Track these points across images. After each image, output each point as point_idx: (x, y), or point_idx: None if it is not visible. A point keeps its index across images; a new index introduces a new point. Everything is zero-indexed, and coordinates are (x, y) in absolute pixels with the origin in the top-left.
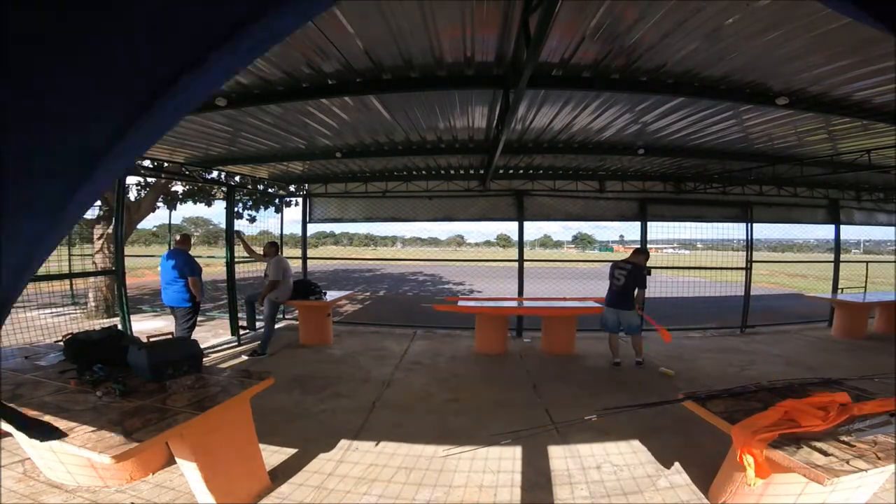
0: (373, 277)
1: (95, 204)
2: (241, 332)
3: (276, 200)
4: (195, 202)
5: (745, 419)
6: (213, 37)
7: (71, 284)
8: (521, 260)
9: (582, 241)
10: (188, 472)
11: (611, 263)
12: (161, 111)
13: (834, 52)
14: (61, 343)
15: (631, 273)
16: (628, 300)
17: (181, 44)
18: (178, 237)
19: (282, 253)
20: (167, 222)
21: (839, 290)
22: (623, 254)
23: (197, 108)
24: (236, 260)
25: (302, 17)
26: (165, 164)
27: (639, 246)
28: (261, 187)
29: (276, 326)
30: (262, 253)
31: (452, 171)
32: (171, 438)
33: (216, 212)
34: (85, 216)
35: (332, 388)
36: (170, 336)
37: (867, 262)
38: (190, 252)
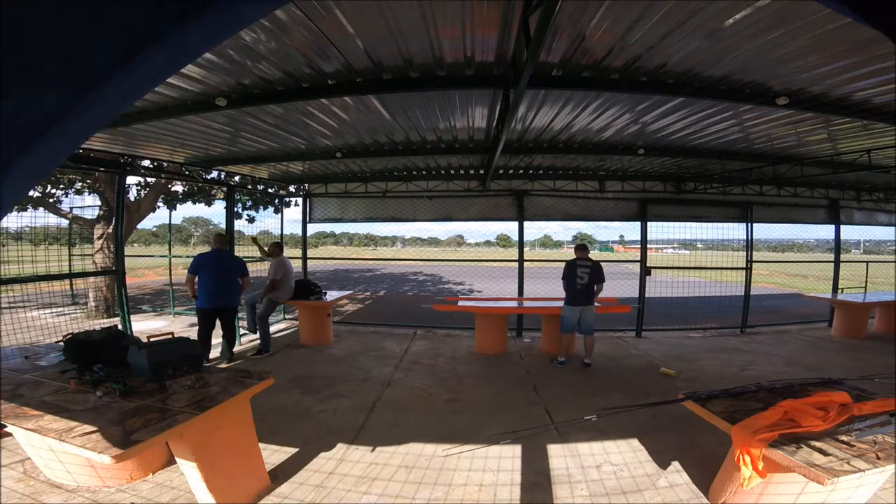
0: (373, 277)
1: (95, 204)
2: (241, 332)
3: (276, 200)
4: (195, 202)
5: (745, 419)
6: (172, 14)
7: (71, 284)
8: (521, 260)
9: (582, 241)
10: (188, 472)
11: (565, 263)
12: (112, 90)
13: (834, 52)
14: (61, 343)
15: (593, 270)
16: (591, 297)
17: (137, 19)
18: (216, 237)
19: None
20: (167, 222)
21: (839, 290)
22: (623, 253)
23: (147, 90)
24: None
25: (263, 7)
26: (165, 165)
27: (580, 242)
28: (261, 187)
29: (277, 326)
30: (267, 252)
31: (452, 171)
32: (172, 438)
33: (216, 212)
34: (85, 216)
35: (332, 388)
36: (170, 336)
37: (867, 262)
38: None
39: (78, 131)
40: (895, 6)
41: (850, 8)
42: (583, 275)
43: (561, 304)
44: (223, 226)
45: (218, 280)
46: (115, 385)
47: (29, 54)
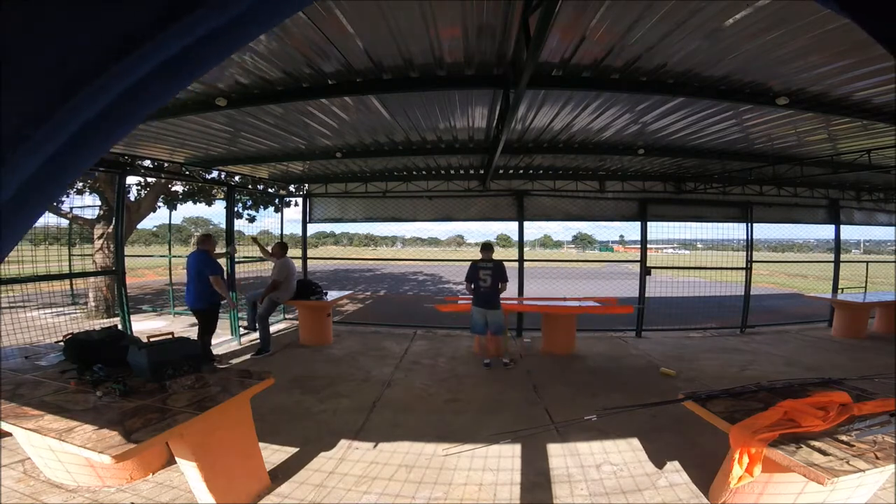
0: (373, 277)
1: (95, 203)
2: (242, 331)
3: (276, 200)
4: (195, 202)
5: (745, 419)
6: (166, 12)
7: (71, 284)
8: (521, 260)
9: (582, 241)
10: (188, 471)
11: (469, 265)
12: (109, 93)
13: (834, 52)
14: (61, 343)
15: (494, 271)
16: (495, 299)
17: (128, 14)
18: (198, 237)
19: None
20: (167, 222)
21: (839, 290)
22: (623, 253)
23: (163, 100)
24: (238, 260)
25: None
26: (165, 164)
27: (485, 242)
28: (261, 187)
29: (277, 326)
30: (270, 252)
31: (452, 171)
32: (172, 438)
33: (216, 211)
34: (85, 216)
35: (332, 388)
36: (170, 336)
37: (867, 262)
38: (212, 251)
39: (63, 144)
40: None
41: (848, 13)
42: (485, 276)
43: (562, 303)
44: (223, 226)
45: (188, 281)
46: (115, 385)
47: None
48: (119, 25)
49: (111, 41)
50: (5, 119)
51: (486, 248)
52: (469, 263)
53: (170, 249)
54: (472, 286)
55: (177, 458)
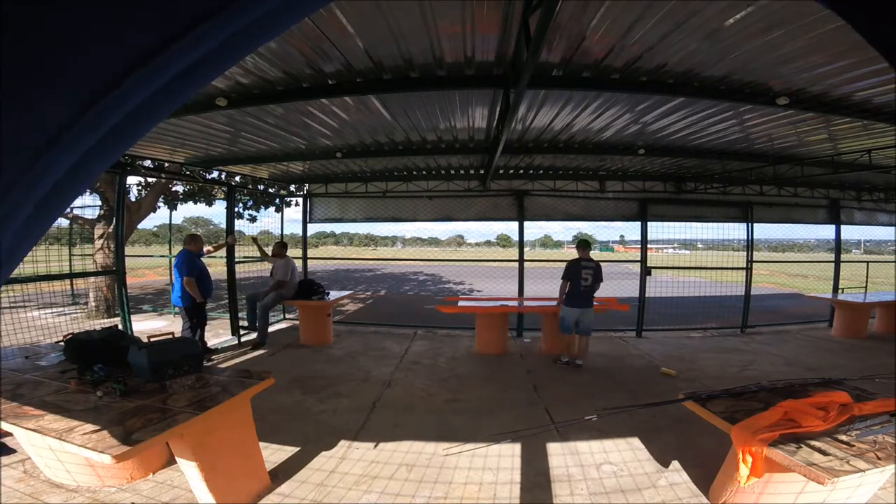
0: (373, 277)
1: (95, 203)
2: (242, 331)
3: (277, 200)
4: (196, 202)
5: (745, 419)
6: (185, 19)
7: (71, 284)
8: (521, 260)
9: (583, 238)
10: (188, 471)
11: (568, 263)
12: (133, 98)
13: (834, 52)
14: (62, 343)
15: (596, 271)
16: (592, 299)
17: (155, 16)
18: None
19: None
20: (168, 222)
21: (840, 290)
22: (624, 253)
23: (181, 106)
24: (237, 260)
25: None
26: (166, 164)
27: (582, 239)
28: (261, 187)
29: (278, 326)
30: (271, 253)
31: (452, 171)
32: (172, 438)
33: (217, 211)
34: (85, 215)
35: (332, 388)
36: (170, 336)
37: (868, 262)
38: (194, 251)
39: (87, 150)
40: (885, 15)
41: (840, 13)
42: (587, 276)
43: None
44: (224, 226)
45: (174, 279)
46: (116, 385)
47: (28, 63)
48: (152, 28)
49: (149, 42)
50: (41, 123)
51: (585, 245)
52: (568, 261)
53: (170, 249)
54: (571, 285)
55: (177, 458)
